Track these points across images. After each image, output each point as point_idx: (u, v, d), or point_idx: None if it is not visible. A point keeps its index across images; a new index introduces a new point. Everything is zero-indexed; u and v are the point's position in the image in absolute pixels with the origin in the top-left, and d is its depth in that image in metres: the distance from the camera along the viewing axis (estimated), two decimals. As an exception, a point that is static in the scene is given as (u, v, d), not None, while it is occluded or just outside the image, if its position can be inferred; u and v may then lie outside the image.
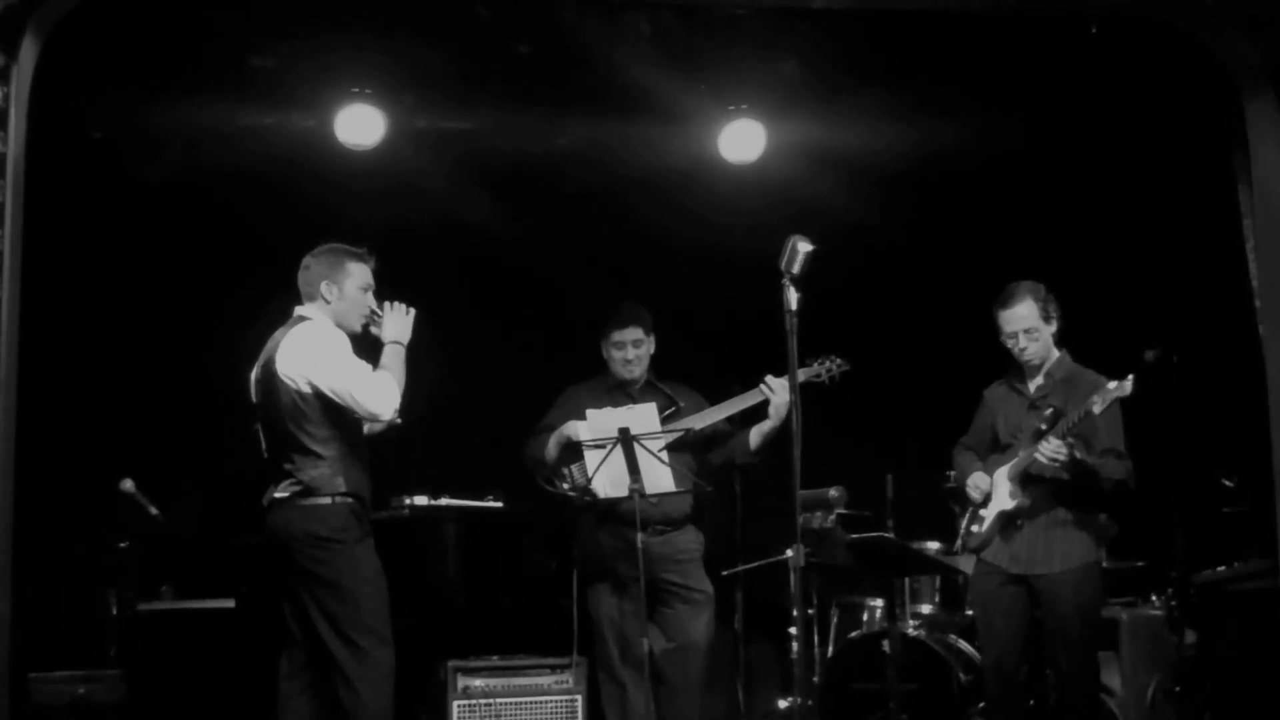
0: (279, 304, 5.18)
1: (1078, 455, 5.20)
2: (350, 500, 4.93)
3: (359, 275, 5.10)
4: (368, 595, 4.89)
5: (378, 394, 4.91)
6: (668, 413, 5.76)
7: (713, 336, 7.06)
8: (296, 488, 4.90)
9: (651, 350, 5.93)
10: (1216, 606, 6.28)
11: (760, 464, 5.87)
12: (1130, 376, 5.11)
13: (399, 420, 5.04)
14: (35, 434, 5.20)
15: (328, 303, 5.05)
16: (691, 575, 5.85)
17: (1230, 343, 5.96)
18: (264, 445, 5.04)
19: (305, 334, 4.99)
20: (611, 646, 5.74)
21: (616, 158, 6.95)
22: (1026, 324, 5.40)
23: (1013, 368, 5.58)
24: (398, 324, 5.09)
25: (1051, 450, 5.19)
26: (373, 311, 5.10)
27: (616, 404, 5.68)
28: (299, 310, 5.10)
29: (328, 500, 4.89)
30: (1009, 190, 7.14)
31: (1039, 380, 5.50)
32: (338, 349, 4.96)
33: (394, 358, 5.03)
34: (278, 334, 5.05)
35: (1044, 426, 5.28)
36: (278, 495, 4.95)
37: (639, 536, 5.41)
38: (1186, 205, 6.80)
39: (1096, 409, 5.12)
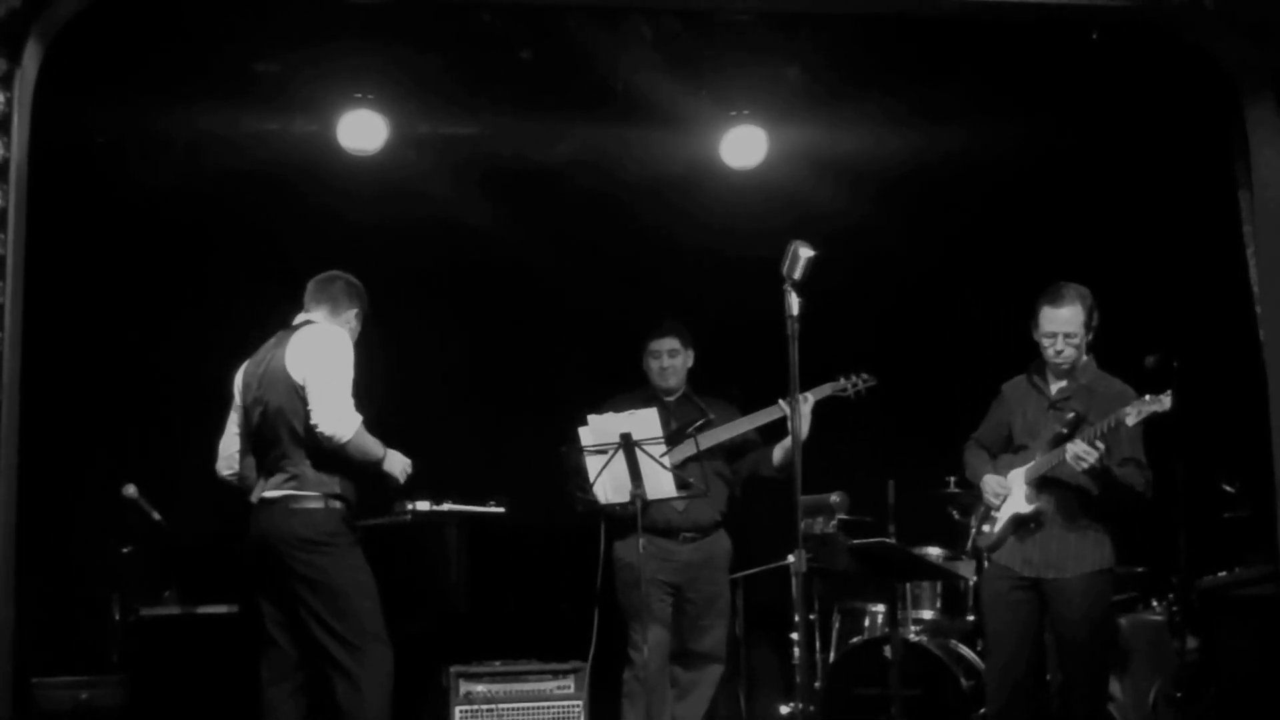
0: (283, 307, 5.20)
1: (1105, 462, 5.16)
2: (340, 505, 4.98)
3: (358, 328, 5.27)
4: (362, 596, 4.94)
5: (339, 413, 4.92)
6: (697, 424, 5.95)
7: (714, 341, 7.05)
8: (291, 485, 4.93)
9: (689, 363, 6.15)
10: (1218, 612, 6.28)
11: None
12: (1169, 392, 5.05)
13: (337, 440, 4.98)
14: (38, 438, 5.21)
15: (346, 325, 5.19)
16: (719, 583, 6.02)
17: (1231, 347, 5.97)
18: (252, 442, 5.07)
19: (321, 333, 5.08)
20: (643, 649, 5.75)
21: (618, 163, 6.95)
22: (1069, 328, 5.31)
23: (1036, 363, 5.48)
24: (398, 463, 5.20)
25: (1080, 451, 5.12)
26: None
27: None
28: (309, 315, 5.17)
29: (320, 503, 4.94)
30: (1011, 196, 7.14)
31: (1062, 383, 5.42)
32: (343, 355, 5.03)
33: (375, 447, 5.08)
34: (283, 334, 5.11)
35: (1064, 431, 5.23)
36: (268, 494, 4.98)
37: (640, 542, 5.45)
38: (1187, 210, 6.80)
39: (1130, 421, 5.07)
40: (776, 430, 5.96)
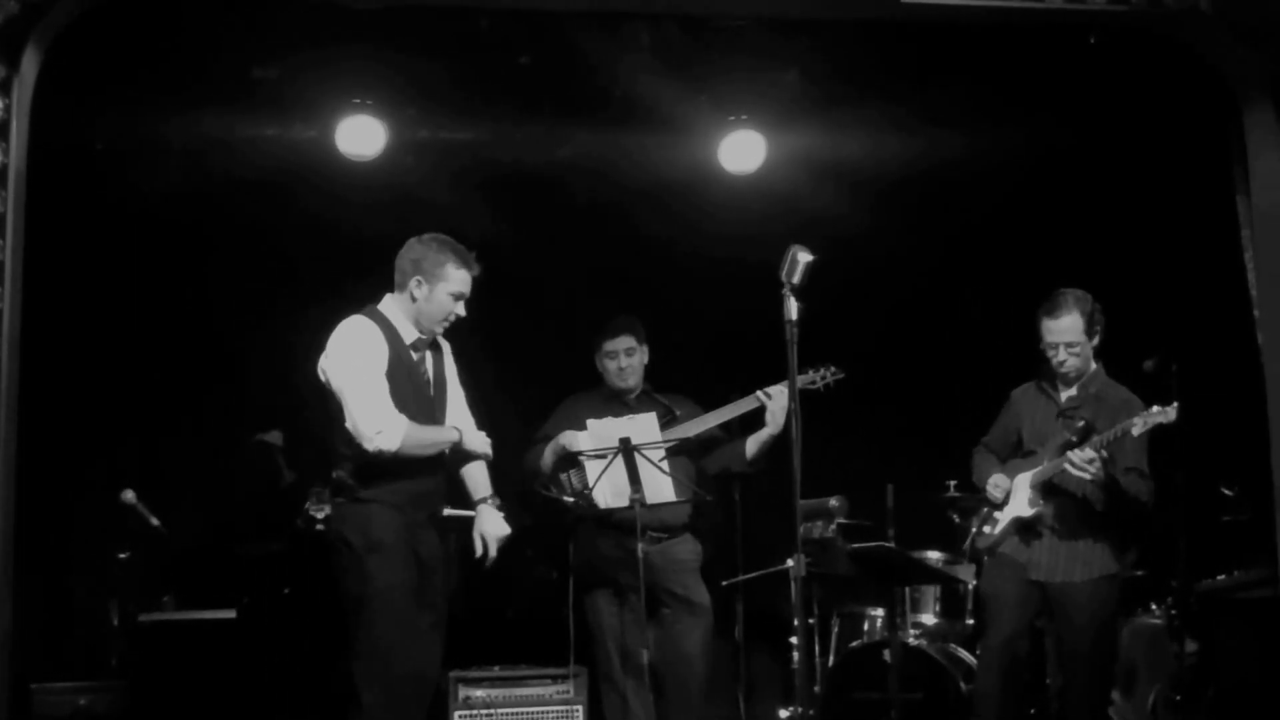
0: (285, 310, 5.20)
1: (1109, 471, 5.16)
2: (362, 506, 4.76)
3: (455, 282, 4.92)
4: (374, 608, 4.71)
5: (377, 423, 4.65)
6: (663, 421, 5.76)
7: (713, 346, 7.06)
8: (327, 486, 4.89)
9: (645, 359, 5.97)
10: (1217, 615, 6.28)
11: (760, 473, 5.89)
12: (1175, 404, 5.06)
13: (386, 453, 4.71)
14: (36, 444, 5.20)
15: (413, 300, 4.89)
16: (688, 585, 5.85)
17: (1229, 351, 5.97)
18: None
19: (345, 327, 4.83)
20: (612, 656, 5.74)
21: (617, 168, 6.96)
22: (1069, 337, 5.31)
23: (1045, 370, 5.49)
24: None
25: (1084, 459, 5.12)
26: (457, 318, 4.94)
27: (614, 414, 5.67)
28: (382, 302, 4.95)
29: (344, 502, 4.81)
30: (1009, 200, 7.15)
31: (1072, 391, 5.43)
32: (355, 353, 4.76)
33: (439, 436, 4.86)
34: None
35: (1074, 439, 5.22)
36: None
37: (639, 545, 5.41)
38: (1186, 215, 6.81)
39: (1136, 431, 5.07)
40: (745, 427, 5.89)
